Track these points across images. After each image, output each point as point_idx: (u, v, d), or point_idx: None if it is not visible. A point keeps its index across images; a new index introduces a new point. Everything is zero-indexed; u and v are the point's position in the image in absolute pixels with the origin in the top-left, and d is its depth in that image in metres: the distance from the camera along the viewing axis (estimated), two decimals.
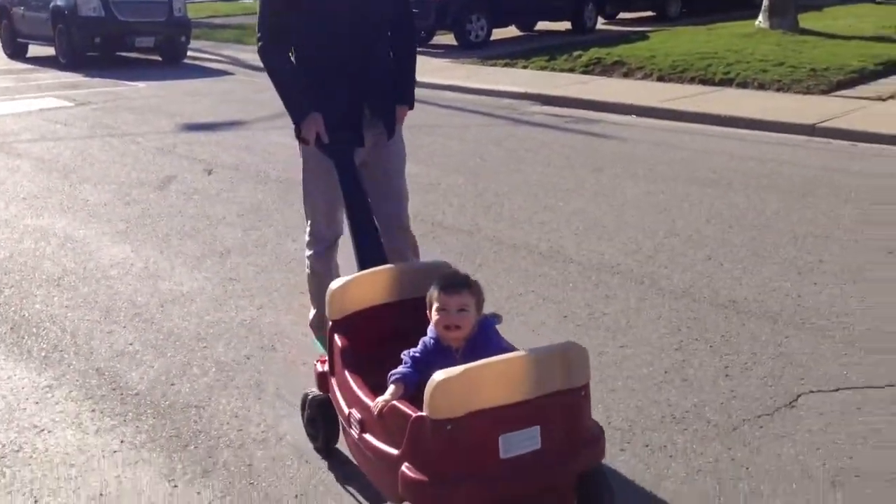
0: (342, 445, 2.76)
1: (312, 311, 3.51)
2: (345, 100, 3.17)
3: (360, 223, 3.01)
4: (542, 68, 12.31)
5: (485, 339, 2.43)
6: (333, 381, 2.67)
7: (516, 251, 4.94)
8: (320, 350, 3.24)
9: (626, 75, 11.44)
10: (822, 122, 8.12)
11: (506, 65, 12.81)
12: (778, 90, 9.82)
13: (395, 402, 2.28)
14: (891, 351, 3.53)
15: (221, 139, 8.41)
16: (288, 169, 6.35)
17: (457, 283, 2.44)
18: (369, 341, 2.65)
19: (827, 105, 8.89)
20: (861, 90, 9.44)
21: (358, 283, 2.73)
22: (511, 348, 2.40)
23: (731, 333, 3.77)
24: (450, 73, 12.40)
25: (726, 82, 10.37)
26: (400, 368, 2.41)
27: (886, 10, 15.28)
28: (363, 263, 2.90)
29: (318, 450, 2.88)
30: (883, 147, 7.43)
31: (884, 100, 8.95)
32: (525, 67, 12.51)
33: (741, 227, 5.22)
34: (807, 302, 4.07)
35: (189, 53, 15.56)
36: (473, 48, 14.72)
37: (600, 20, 17.71)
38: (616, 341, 3.72)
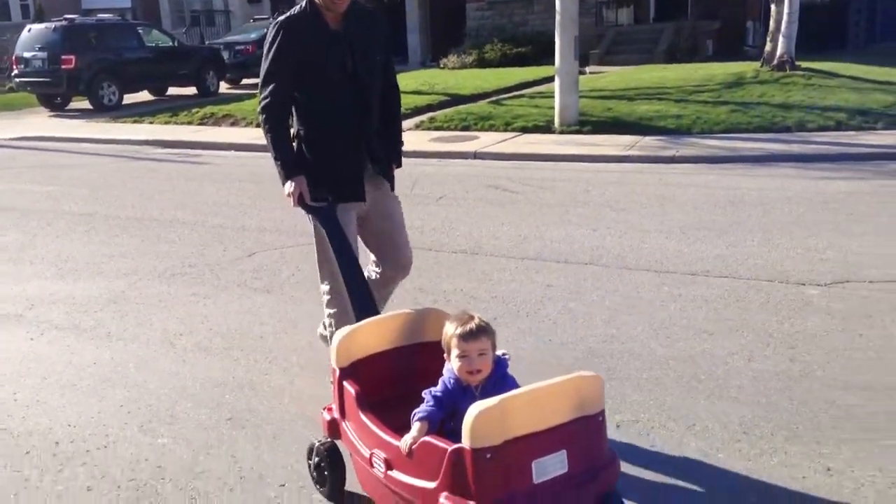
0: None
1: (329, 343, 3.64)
2: (350, 158, 3.45)
3: (352, 277, 3.21)
4: (166, 123, 15.05)
5: (500, 376, 2.57)
6: (346, 425, 2.79)
7: (131, 223, 7.70)
8: None
9: (233, 124, 14.58)
10: None
11: (134, 121, 15.37)
12: None
13: (426, 438, 2.38)
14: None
15: None
16: None
17: (476, 330, 2.52)
18: (373, 386, 2.79)
19: None
20: None
21: (363, 332, 2.88)
22: (518, 384, 2.54)
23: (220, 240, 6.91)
24: (84, 130, 14.67)
25: None
26: (423, 407, 2.52)
27: (442, 73, 20.24)
28: (359, 314, 3.11)
29: (325, 496, 3.04)
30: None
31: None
32: (151, 123, 15.14)
33: (269, 196, 8.47)
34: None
35: None
36: (107, 110, 16.99)
37: (225, 85, 20.89)
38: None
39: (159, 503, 3.05)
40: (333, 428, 2.89)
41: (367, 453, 2.61)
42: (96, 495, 3.12)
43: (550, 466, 2.27)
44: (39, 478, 3.26)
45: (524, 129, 12.09)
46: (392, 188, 3.64)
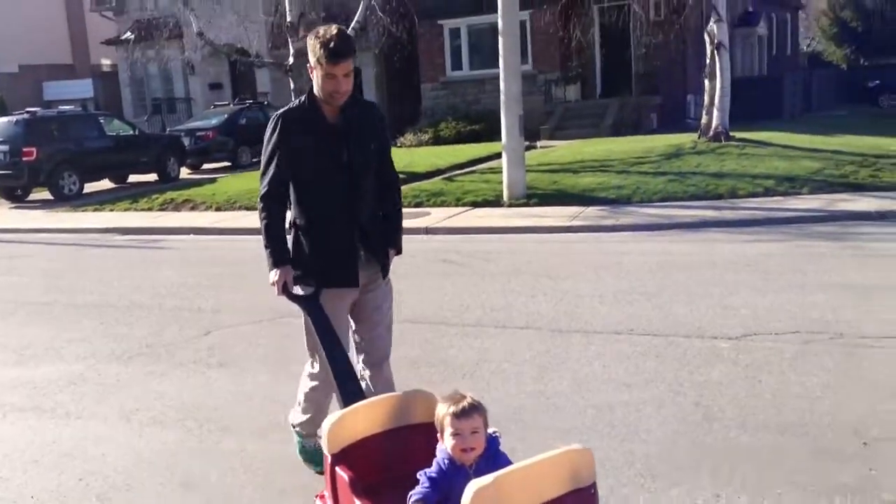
0: None
1: (301, 415, 3.88)
2: (343, 245, 3.51)
3: (337, 363, 3.27)
4: (126, 209, 15.39)
5: (493, 454, 2.61)
6: None
7: (90, 309, 7.97)
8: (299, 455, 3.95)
9: (192, 209, 14.95)
10: None
11: (95, 210, 15.69)
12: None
13: None
14: None
15: None
16: None
17: (469, 408, 2.57)
18: (365, 470, 2.79)
19: None
20: None
21: (352, 417, 2.89)
22: (510, 460, 2.60)
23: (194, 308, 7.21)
24: (45, 220, 14.94)
25: None
26: (418, 489, 2.52)
27: (399, 152, 20.94)
28: (345, 400, 3.12)
29: None
30: None
31: None
32: (111, 210, 15.47)
33: (227, 277, 8.81)
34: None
35: None
36: (68, 200, 17.28)
37: (186, 171, 21.33)
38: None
39: None
40: None
41: None
42: None
43: None
44: None
45: (474, 204, 12.63)
46: (385, 275, 3.69)
